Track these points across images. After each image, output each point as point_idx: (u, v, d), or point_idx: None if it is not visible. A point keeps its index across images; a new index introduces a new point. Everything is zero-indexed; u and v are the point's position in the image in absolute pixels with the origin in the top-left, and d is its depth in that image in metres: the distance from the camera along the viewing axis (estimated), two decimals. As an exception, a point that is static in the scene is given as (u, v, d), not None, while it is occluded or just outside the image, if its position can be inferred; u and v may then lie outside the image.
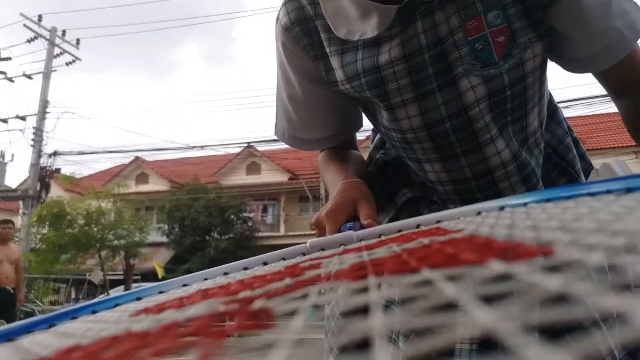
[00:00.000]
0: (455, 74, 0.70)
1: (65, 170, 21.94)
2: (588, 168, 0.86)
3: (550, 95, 0.87)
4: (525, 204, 0.43)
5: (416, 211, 0.82)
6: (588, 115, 22.13)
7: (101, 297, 0.44)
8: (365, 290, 0.23)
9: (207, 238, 20.99)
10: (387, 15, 0.69)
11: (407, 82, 0.71)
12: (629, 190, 0.35)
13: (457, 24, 0.68)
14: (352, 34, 0.73)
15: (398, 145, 0.80)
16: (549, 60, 0.77)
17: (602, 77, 0.78)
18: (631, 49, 0.72)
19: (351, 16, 0.72)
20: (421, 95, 0.72)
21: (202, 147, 25.14)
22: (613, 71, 0.75)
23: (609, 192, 0.36)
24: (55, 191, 20.68)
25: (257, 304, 0.24)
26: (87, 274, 13.68)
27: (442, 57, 0.70)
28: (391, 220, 0.84)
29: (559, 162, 0.82)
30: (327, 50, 0.77)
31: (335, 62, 0.77)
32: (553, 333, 0.65)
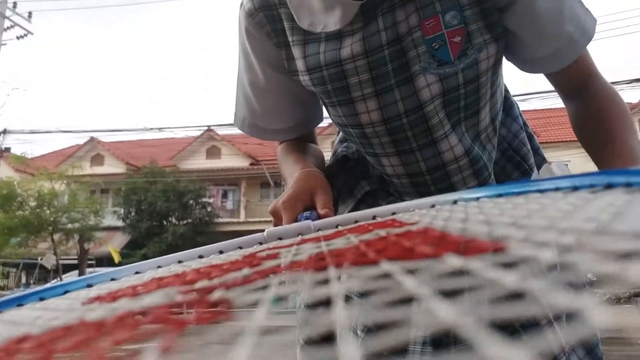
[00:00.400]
0: (412, 71, 0.72)
1: (16, 149, 21.13)
2: (541, 162, 0.87)
3: (507, 91, 0.89)
4: (477, 199, 0.44)
5: (375, 203, 0.84)
6: (543, 109, 22.83)
7: (51, 283, 0.42)
8: (326, 281, 0.23)
9: (165, 223, 20.67)
10: (350, 10, 0.70)
11: (368, 77, 0.73)
12: (575, 188, 0.36)
13: (416, 23, 0.70)
14: (314, 26, 0.74)
15: (356, 141, 0.82)
16: (504, 59, 0.79)
17: (552, 79, 0.81)
18: (581, 54, 0.75)
19: (315, 8, 0.73)
20: (380, 90, 0.73)
21: (160, 129, 24.71)
22: (563, 74, 0.78)
23: (557, 189, 0.37)
24: (5, 171, 19.87)
25: (216, 294, 0.24)
26: (39, 258, 13.26)
27: (401, 54, 0.71)
28: (350, 212, 0.84)
29: (514, 156, 0.84)
30: (290, 39, 0.77)
31: (297, 52, 0.77)
32: (509, 330, 0.68)
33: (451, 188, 0.79)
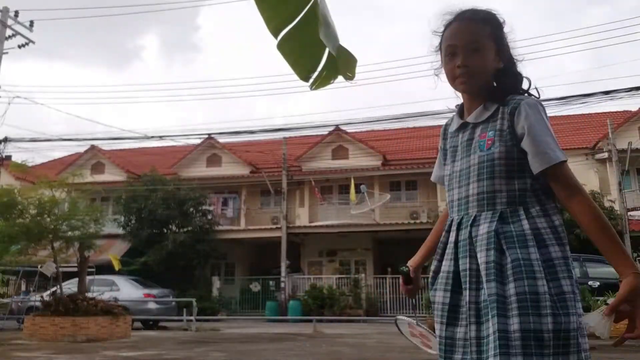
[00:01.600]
0: (471, 151, 1.52)
1: (17, 157, 21.13)
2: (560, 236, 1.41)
3: (545, 202, 1.43)
4: None
5: (447, 234, 1.54)
6: (543, 117, 22.83)
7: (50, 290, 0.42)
8: None
9: (165, 231, 20.63)
10: (459, 123, 1.59)
11: (454, 150, 1.60)
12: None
13: (479, 133, 1.52)
14: (452, 129, 1.63)
15: (447, 181, 1.61)
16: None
17: (548, 181, 1.43)
18: (551, 164, 1.38)
19: (455, 124, 1.62)
20: (458, 158, 1.57)
21: (160, 137, 24.61)
22: (550, 178, 1.42)
23: None
24: (6, 179, 19.90)
25: None
26: (39, 266, 13.23)
27: (470, 142, 1.53)
28: (444, 237, 1.56)
29: (540, 228, 1.39)
30: (447, 138, 1.67)
31: (448, 143, 1.65)
32: None
33: (470, 208, 1.50)
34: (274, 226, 21.53)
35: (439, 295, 1.47)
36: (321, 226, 21.37)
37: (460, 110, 1.62)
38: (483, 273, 1.35)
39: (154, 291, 15.24)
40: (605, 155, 19.24)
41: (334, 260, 22.04)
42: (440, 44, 1.58)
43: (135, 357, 7.23)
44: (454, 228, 1.50)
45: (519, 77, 1.56)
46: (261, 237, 21.75)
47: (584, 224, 1.33)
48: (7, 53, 15.51)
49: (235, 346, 8.85)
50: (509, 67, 1.55)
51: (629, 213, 17.60)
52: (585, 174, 19.93)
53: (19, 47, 15.91)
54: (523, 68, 1.58)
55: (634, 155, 18.39)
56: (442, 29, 1.58)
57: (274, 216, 22.66)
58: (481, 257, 1.37)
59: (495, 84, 1.54)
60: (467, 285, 1.38)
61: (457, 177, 1.54)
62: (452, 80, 1.54)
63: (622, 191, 17.70)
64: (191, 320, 13.58)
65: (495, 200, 1.44)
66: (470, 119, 1.54)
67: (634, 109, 21.40)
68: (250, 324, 16.39)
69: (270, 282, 20.61)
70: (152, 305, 14.64)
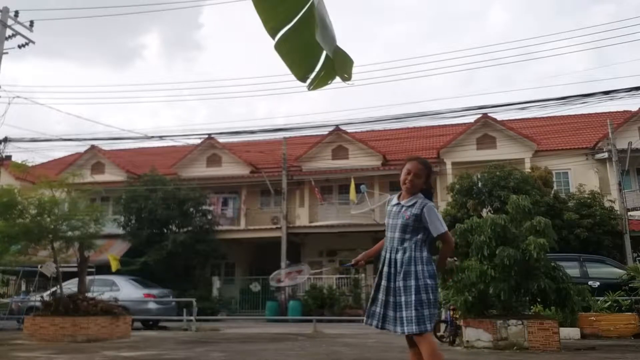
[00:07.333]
0: (398, 217, 3.25)
1: (17, 157, 21.09)
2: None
3: (430, 262, 3.14)
4: None
5: (385, 253, 3.26)
6: (543, 117, 22.85)
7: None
8: None
9: (165, 231, 20.62)
10: (397, 202, 3.32)
11: (391, 213, 3.35)
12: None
13: (404, 210, 3.23)
14: (393, 202, 3.36)
15: (387, 227, 3.35)
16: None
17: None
18: (438, 233, 3.16)
19: (395, 201, 3.36)
20: (392, 217, 3.30)
21: (161, 137, 24.71)
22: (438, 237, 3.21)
23: None
24: (6, 179, 19.89)
25: None
26: (39, 266, 13.21)
27: (398, 214, 3.25)
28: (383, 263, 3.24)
29: (412, 265, 3.13)
30: (390, 205, 3.44)
31: (390, 208, 3.40)
32: None
33: (394, 241, 3.22)
34: (274, 226, 21.52)
35: (383, 282, 3.16)
36: (321, 226, 21.36)
37: (399, 196, 3.33)
38: (398, 276, 3.10)
39: (154, 291, 15.23)
40: (605, 155, 19.23)
41: (334, 260, 22.02)
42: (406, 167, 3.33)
43: (135, 357, 7.22)
44: (387, 251, 3.20)
45: (431, 192, 3.34)
46: (261, 237, 21.74)
47: (443, 251, 3.39)
48: (7, 53, 15.49)
49: (235, 346, 8.84)
50: (427, 188, 3.30)
51: (629, 213, 17.59)
52: (585, 174, 19.93)
53: (19, 47, 15.89)
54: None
55: (634, 155, 18.38)
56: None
57: (274, 216, 22.64)
58: (397, 268, 3.13)
59: (420, 192, 3.25)
60: (389, 278, 3.14)
61: (391, 227, 3.24)
62: (402, 182, 3.26)
63: (622, 191, 17.69)
64: (191, 320, 13.57)
65: (404, 243, 3.17)
66: (403, 202, 3.25)
67: (634, 109, 21.39)
68: (250, 324, 16.38)
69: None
70: (152, 305, 14.63)
